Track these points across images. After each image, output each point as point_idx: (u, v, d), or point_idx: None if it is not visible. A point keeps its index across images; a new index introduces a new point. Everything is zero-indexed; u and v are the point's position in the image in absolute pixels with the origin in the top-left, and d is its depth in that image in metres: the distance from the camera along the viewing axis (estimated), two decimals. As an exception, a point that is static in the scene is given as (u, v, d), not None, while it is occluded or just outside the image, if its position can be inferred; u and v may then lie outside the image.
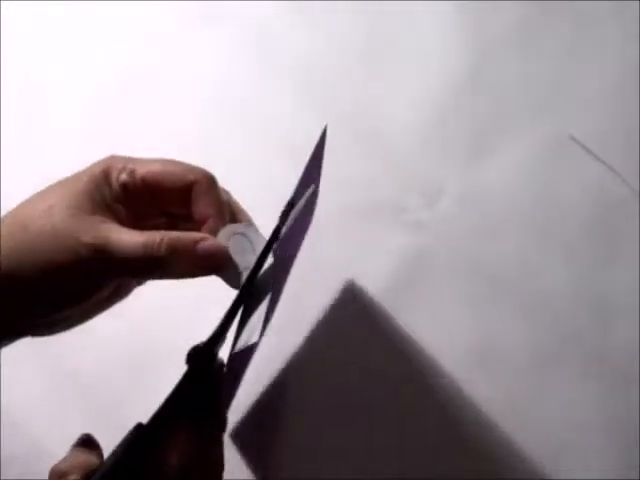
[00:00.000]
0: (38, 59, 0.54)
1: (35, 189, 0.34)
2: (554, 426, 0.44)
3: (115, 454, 0.29)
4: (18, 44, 0.54)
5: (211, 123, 0.52)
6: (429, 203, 0.50)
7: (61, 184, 0.33)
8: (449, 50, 0.54)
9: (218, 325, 0.32)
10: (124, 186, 0.33)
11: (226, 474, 0.40)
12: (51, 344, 0.44)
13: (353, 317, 0.47)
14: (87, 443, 0.31)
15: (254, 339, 0.31)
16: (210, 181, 0.35)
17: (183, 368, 0.31)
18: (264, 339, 0.32)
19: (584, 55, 0.53)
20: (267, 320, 0.32)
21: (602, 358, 0.46)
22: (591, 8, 0.54)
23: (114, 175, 0.33)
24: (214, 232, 0.34)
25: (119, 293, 0.37)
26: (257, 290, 0.33)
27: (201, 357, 0.31)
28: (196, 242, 0.32)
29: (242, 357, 0.34)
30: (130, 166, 0.34)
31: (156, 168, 0.34)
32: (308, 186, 0.36)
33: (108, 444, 0.30)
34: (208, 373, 0.32)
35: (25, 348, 0.43)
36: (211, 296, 0.35)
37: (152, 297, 0.40)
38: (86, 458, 0.30)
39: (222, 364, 0.32)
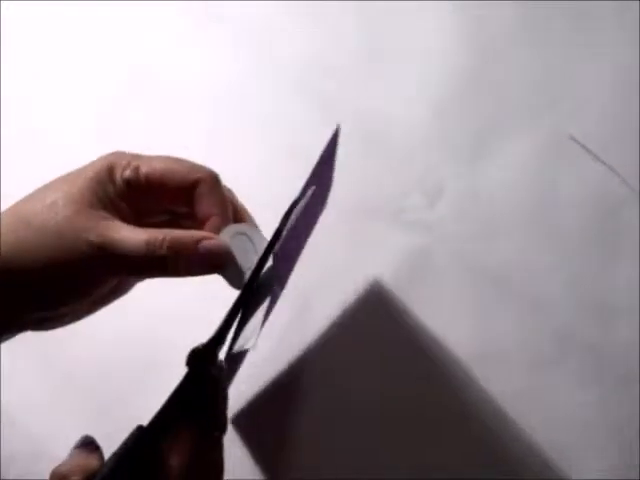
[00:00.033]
0: (38, 59, 0.54)
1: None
2: (554, 426, 0.44)
3: (116, 456, 0.29)
4: (18, 44, 0.54)
5: (211, 123, 0.52)
6: (430, 203, 0.50)
7: (64, 180, 0.33)
8: (449, 50, 0.54)
9: (219, 327, 0.32)
10: (128, 183, 0.33)
11: (233, 474, 0.40)
12: (51, 344, 0.44)
13: (354, 317, 0.47)
14: (88, 445, 0.31)
15: (251, 342, 0.31)
16: (214, 180, 0.35)
17: (184, 367, 0.31)
18: (264, 340, 0.32)
19: (584, 55, 0.53)
20: (264, 322, 0.32)
21: (602, 358, 0.46)
22: (591, 8, 0.54)
23: (118, 172, 0.33)
24: (217, 231, 0.34)
25: (119, 289, 0.37)
26: (257, 291, 0.33)
27: (201, 359, 0.31)
28: (198, 241, 0.32)
29: (238, 358, 0.34)
30: (134, 163, 0.34)
31: (160, 166, 0.34)
32: (313, 186, 0.36)
33: (108, 444, 0.30)
34: (208, 375, 0.32)
35: (25, 348, 0.43)
36: (212, 295, 0.35)
37: (153, 296, 0.40)
38: (87, 460, 0.30)
39: (222, 366, 0.32)
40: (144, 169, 0.34)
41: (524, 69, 0.53)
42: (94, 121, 0.52)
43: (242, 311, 0.33)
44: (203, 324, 0.32)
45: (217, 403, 0.32)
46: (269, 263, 0.34)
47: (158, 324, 0.46)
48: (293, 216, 0.34)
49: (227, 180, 0.36)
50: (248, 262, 0.34)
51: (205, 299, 0.40)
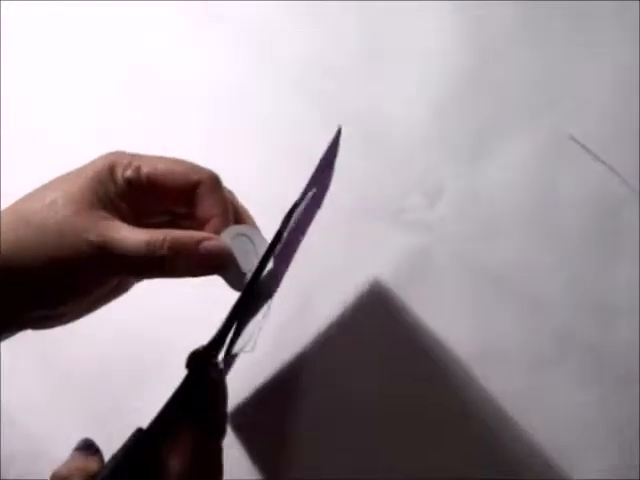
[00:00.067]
0: (38, 59, 0.54)
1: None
2: (554, 426, 0.44)
3: (115, 458, 0.29)
4: (18, 44, 0.54)
5: (211, 123, 0.52)
6: (430, 203, 0.50)
7: (64, 179, 0.33)
8: (449, 50, 0.54)
9: (218, 329, 0.32)
10: (129, 182, 0.33)
11: (231, 474, 0.40)
12: (51, 343, 0.44)
13: (354, 316, 0.47)
14: (87, 447, 0.31)
15: (250, 345, 0.31)
16: (215, 181, 0.35)
17: (183, 369, 0.31)
18: (263, 339, 0.32)
19: (584, 55, 0.53)
20: (263, 325, 0.32)
21: (602, 358, 0.46)
22: (591, 8, 0.54)
23: (119, 171, 0.33)
24: (218, 232, 0.34)
25: (119, 288, 0.37)
26: (257, 294, 0.33)
27: (201, 361, 0.31)
28: (199, 241, 0.32)
29: (233, 360, 0.34)
30: (136, 163, 0.34)
31: (161, 166, 0.34)
32: (314, 189, 0.36)
33: (108, 444, 0.30)
34: (208, 377, 0.32)
35: (25, 347, 0.43)
36: (213, 296, 0.34)
37: (153, 296, 0.40)
38: (86, 463, 0.30)
39: (222, 368, 0.32)
40: (145, 169, 0.34)
41: (524, 69, 0.53)
42: (94, 121, 0.52)
43: (242, 313, 0.33)
44: (203, 325, 0.32)
45: (217, 405, 0.32)
46: (269, 266, 0.34)
47: (158, 324, 0.46)
48: (293, 219, 0.34)
49: (227, 180, 0.36)
50: (249, 264, 0.34)
51: (205, 300, 0.40)
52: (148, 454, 0.29)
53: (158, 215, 0.36)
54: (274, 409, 0.45)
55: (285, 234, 0.33)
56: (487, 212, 0.50)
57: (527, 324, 0.47)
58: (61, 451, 0.31)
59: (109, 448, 0.30)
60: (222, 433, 0.32)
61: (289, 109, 0.52)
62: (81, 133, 0.52)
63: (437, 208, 0.50)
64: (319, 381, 0.45)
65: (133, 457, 0.29)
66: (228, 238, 0.34)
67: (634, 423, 0.44)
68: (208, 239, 0.33)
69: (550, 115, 0.52)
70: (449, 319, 0.47)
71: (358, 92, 0.53)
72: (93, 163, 0.34)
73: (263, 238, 0.35)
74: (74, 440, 0.32)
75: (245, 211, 0.37)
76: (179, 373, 0.31)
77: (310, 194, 0.35)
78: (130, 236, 0.31)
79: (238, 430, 0.44)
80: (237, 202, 0.37)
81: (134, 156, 0.34)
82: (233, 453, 0.43)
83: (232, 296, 0.33)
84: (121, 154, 0.34)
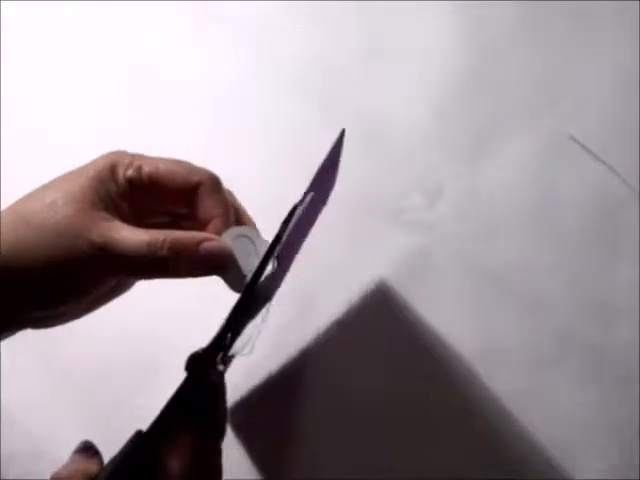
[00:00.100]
0: (38, 59, 0.54)
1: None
2: (554, 426, 0.44)
3: (115, 461, 0.29)
4: (18, 44, 0.54)
5: (211, 123, 0.52)
6: (430, 203, 0.50)
7: (64, 179, 0.33)
8: (449, 50, 0.54)
9: (218, 331, 0.32)
10: (130, 182, 0.33)
11: (232, 474, 0.40)
12: (51, 343, 0.44)
13: (355, 315, 0.47)
14: (87, 450, 0.31)
15: (248, 348, 0.31)
16: (215, 182, 0.35)
17: (183, 368, 0.31)
18: (265, 338, 0.32)
19: (584, 55, 0.53)
20: (262, 328, 0.32)
21: (602, 358, 0.46)
22: (591, 8, 0.54)
23: (121, 170, 0.33)
24: (219, 233, 0.34)
25: (119, 288, 0.37)
26: (257, 296, 0.33)
27: (200, 364, 0.31)
28: (199, 242, 0.32)
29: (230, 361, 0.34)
30: (137, 162, 0.34)
31: (162, 166, 0.34)
32: (314, 191, 0.36)
33: (108, 444, 0.30)
34: (208, 380, 0.32)
35: (25, 347, 0.44)
36: (213, 297, 0.34)
37: (153, 296, 0.40)
38: (86, 465, 0.30)
39: (222, 371, 0.32)
40: (147, 169, 0.34)
41: (524, 69, 0.53)
42: (94, 121, 0.52)
43: (241, 315, 0.33)
44: (203, 326, 0.32)
45: (217, 408, 0.32)
46: (269, 268, 0.34)
47: (158, 324, 0.46)
48: (293, 221, 0.34)
49: (227, 180, 0.36)
50: (249, 265, 0.34)
51: (206, 301, 0.40)
52: (148, 456, 0.29)
53: (159, 215, 0.36)
54: (275, 408, 0.45)
55: (284, 236, 0.33)
56: (487, 212, 0.50)
57: (527, 324, 0.47)
58: (61, 451, 0.31)
59: (109, 448, 0.30)
60: (222, 435, 0.32)
61: (289, 109, 0.52)
62: (81, 133, 0.52)
63: (437, 208, 0.50)
64: (321, 380, 0.45)
65: (133, 459, 0.29)
66: (229, 239, 0.34)
67: (634, 423, 0.44)
68: (209, 240, 0.33)
69: (550, 115, 0.52)
70: (449, 319, 0.47)
71: (358, 92, 0.53)
72: (94, 162, 0.34)
73: (264, 239, 0.35)
74: (74, 439, 0.32)
75: (245, 212, 0.37)
76: (179, 373, 0.31)
77: (309, 197, 0.35)
78: (131, 236, 0.31)
79: (238, 429, 0.44)
80: (237, 203, 0.37)
81: (135, 156, 0.34)
82: (233, 453, 0.43)
83: (232, 297, 0.33)
84: (122, 154, 0.34)
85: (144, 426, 0.30)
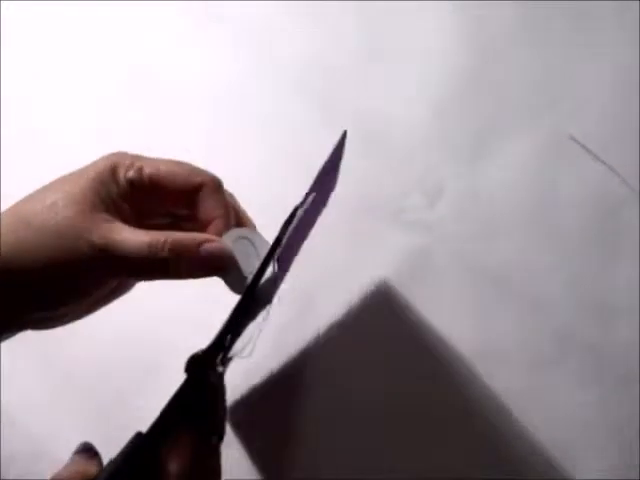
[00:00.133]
0: (38, 59, 0.54)
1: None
2: (554, 426, 0.44)
3: (114, 462, 0.29)
4: (18, 44, 0.54)
5: (211, 123, 0.52)
6: (430, 203, 0.50)
7: (65, 180, 0.33)
8: (449, 50, 0.54)
9: (218, 333, 0.32)
10: (131, 183, 0.33)
11: (232, 474, 0.40)
12: (51, 343, 0.44)
13: (355, 315, 0.47)
14: (87, 451, 0.31)
15: (247, 351, 0.31)
16: (217, 184, 0.35)
17: (183, 369, 0.31)
18: (265, 338, 0.32)
19: (584, 55, 0.53)
20: (261, 331, 0.32)
21: (602, 358, 0.46)
22: (591, 8, 0.54)
23: (122, 172, 0.33)
24: (219, 234, 0.34)
25: (120, 289, 0.37)
26: (257, 298, 0.33)
27: (200, 366, 0.31)
28: (200, 243, 0.32)
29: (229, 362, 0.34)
30: (138, 163, 0.34)
31: (163, 168, 0.34)
32: (315, 193, 0.36)
33: (108, 445, 0.30)
34: (207, 381, 0.32)
35: (25, 348, 0.44)
36: (213, 298, 0.34)
37: (154, 297, 0.40)
38: (86, 466, 0.30)
39: (221, 372, 0.32)
40: (148, 170, 0.34)
41: (524, 69, 0.53)
42: (94, 121, 0.52)
43: (241, 316, 0.33)
44: (204, 327, 0.32)
45: (216, 409, 0.32)
46: (269, 270, 0.34)
47: (159, 326, 0.46)
48: (294, 223, 0.34)
49: (227, 180, 0.36)
50: (250, 266, 0.34)
51: (206, 302, 0.40)
52: (147, 457, 0.29)
53: (159, 217, 0.36)
54: (276, 407, 0.45)
55: (285, 239, 0.33)
56: (487, 212, 0.50)
57: (527, 324, 0.47)
58: (61, 451, 0.31)
59: (110, 449, 0.30)
60: (221, 436, 0.32)
61: (289, 109, 0.52)
62: (81, 133, 0.52)
63: (437, 208, 0.50)
64: (321, 380, 0.45)
65: (132, 460, 0.29)
66: (229, 241, 0.34)
67: (634, 423, 0.44)
68: (209, 241, 0.33)
69: (550, 115, 0.52)
70: (449, 319, 0.47)
71: (358, 92, 0.53)
72: (95, 164, 0.34)
73: (265, 241, 0.35)
74: (74, 440, 0.32)
75: (245, 214, 0.37)
76: (179, 374, 0.31)
77: (311, 198, 0.35)
78: (131, 238, 0.31)
79: (238, 428, 0.44)
80: (238, 205, 0.37)
81: (136, 157, 0.34)
82: (233, 453, 0.43)
83: (232, 298, 0.33)
84: (123, 155, 0.34)
85: (144, 427, 0.30)
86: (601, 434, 0.44)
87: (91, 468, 0.30)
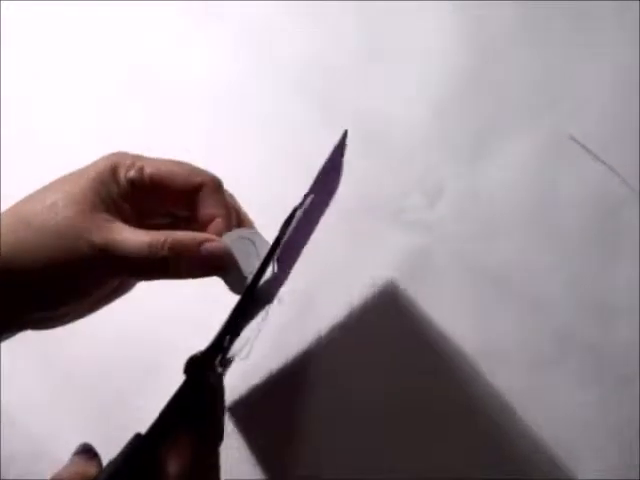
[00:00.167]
0: (38, 59, 0.54)
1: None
2: (554, 426, 0.44)
3: (114, 463, 0.29)
4: (18, 44, 0.54)
5: (211, 123, 0.52)
6: (430, 203, 0.50)
7: (65, 180, 0.33)
8: (449, 50, 0.54)
9: (217, 334, 0.32)
10: (132, 183, 0.33)
11: (232, 474, 0.40)
12: (51, 343, 0.44)
13: (356, 315, 0.47)
14: (86, 452, 0.31)
15: (244, 352, 0.31)
16: (217, 184, 0.35)
17: (183, 370, 0.31)
18: (265, 338, 0.32)
19: (584, 55, 0.53)
20: (259, 332, 0.32)
21: (602, 358, 0.46)
22: (591, 8, 0.54)
23: (122, 172, 0.33)
24: (220, 233, 0.34)
25: (120, 289, 0.37)
26: (257, 298, 0.33)
27: (199, 367, 0.31)
28: (200, 243, 0.32)
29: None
30: (139, 163, 0.34)
31: (164, 168, 0.34)
32: (316, 192, 0.36)
33: (108, 445, 0.30)
34: (206, 383, 0.31)
35: (25, 348, 0.43)
36: (213, 298, 0.34)
37: (154, 297, 0.40)
38: (85, 467, 0.30)
39: (220, 373, 0.32)
40: (148, 170, 0.34)
41: (524, 69, 0.53)
42: (94, 121, 0.52)
43: (240, 317, 0.33)
44: (204, 327, 0.32)
45: (215, 411, 0.32)
46: (269, 271, 0.34)
47: (159, 326, 0.46)
48: (293, 224, 0.34)
49: (227, 180, 0.36)
50: (250, 266, 0.34)
51: (206, 302, 0.40)
52: (147, 458, 0.29)
53: (160, 217, 0.36)
54: (278, 406, 0.45)
55: (284, 239, 0.33)
56: (487, 212, 0.50)
57: (527, 324, 0.47)
58: (61, 452, 0.31)
59: (110, 449, 0.30)
60: (220, 437, 0.32)
61: (289, 109, 0.52)
62: (81, 133, 0.52)
63: (437, 208, 0.50)
64: (322, 379, 0.45)
65: (132, 461, 0.29)
66: (230, 241, 0.34)
67: (634, 423, 0.44)
68: (210, 240, 0.33)
69: (550, 115, 0.52)
70: (449, 319, 0.47)
71: (358, 92, 0.53)
72: (95, 164, 0.34)
73: (265, 241, 0.35)
74: (74, 441, 0.32)
75: (246, 215, 0.37)
76: (179, 374, 0.31)
77: (310, 199, 0.35)
78: (132, 237, 0.31)
79: (241, 426, 0.44)
80: (238, 206, 0.37)
81: (136, 157, 0.34)
82: (233, 453, 0.43)
83: (232, 298, 0.33)
84: (123, 155, 0.34)
85: (145, 427, 0.30)
86: (601, 434, 0.44)
87: (91, 469, 0.30)
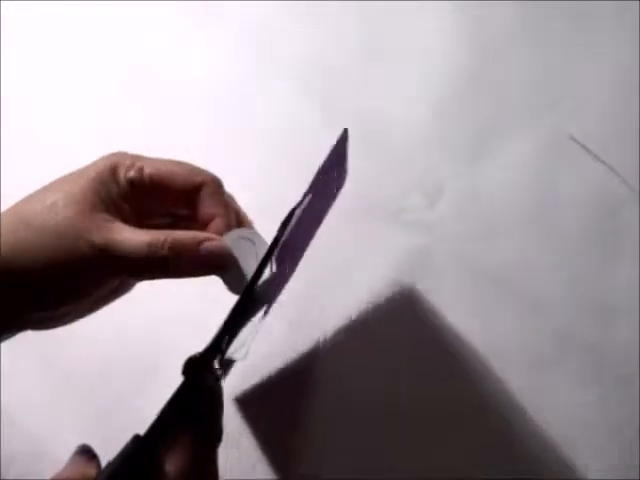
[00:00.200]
0: (38, 59, 0.54)
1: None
2: (554, 426, 0.44)
3: (113, 464, 0.29)
4: (18, 44, 0.54)
5: (211, 123, 0.52)
6: (430, 203, 0.50)
7: (65, 180, 0.33)
8: (449, 50, 0.54)
9: (215, 335, 0.31)
10: (131, 183, 0.33)
11: (232, 474, 0.40)
12: (51, 344, 0.44)
13: (355, 315, 0.47)
14: (85, 453, 0.31)
15: (242, 353, 0.31)
16: (217, 184, 0.35)
17: (181, 373, 0.31)
18: (265, 338, 0.32)
19: (584, 55, 0.53)
20: (257, 334, 0.32)
21: (602, 358, 0.46)
22: (591, 8, 0.54)
23: (122, 172, 0.33)
24: (219, 233, 0.34)
25: (120, 289, 0.37)
26: (256, 298, 0.33)
27: (197, 368, 0.31)
28: (200, 242, 0.32)
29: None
30: (138, 163, 0.34)
31: (164, 168, 0.34)
32: (315, 192, 0.36)
33: (108, 446, 0.30)
34: (204, 384, 0.31)
35: (25, 348, 0.43)
36: (213, 298, 0.34)
37: (153, 298, 0.40)
38: (84, 468, 0.30)
39: (219, 374, 0.32)
40: (148, 170, 0.34)
41: (524, 69, 0.53)
42: (94, 121, 0.52)
43: (239, 317, 0.33)
44: (204, 328, 0.32)
45: (214, 411, 0.32)
46: (267, 272, 0.34)
47: (159, 326, 0.46)
48: (291, 224, 0.34)
49: (227, 180, 0.36)
50: (250, 266, 0.34)
51: (206, 303, 0.40)
52: (145, 459, 0.29)
53: (160, 217, 0.36)
54: (282, 404, 0.45)
55: (283, 239, 0.33)
56: (487, 212, 0.50)
57: (527, 324, 0.47)
58: (61, 452, 0.31)
59: (109, 449, 0.30)
60: (219, 438, 0.32)
61: (289, 109, 0.52)
62: (81, 133, 0.52)
63: (437, 208, 0.50)
64: (323, 380, 0.45)
65: (130, 462, 0.29)
66: (229, 241, 0.34)
67: (634, 423, 0.44)
68: (209, 240, 0.33)
69: (550, 115, 0.52)
70: (449, 319, 0.47)
71: (358, 92, 0.53)
72: (95, 164, 0.34)
73: (265, 242, 0.35)
74: (74, 441, 0.32)
75: (245, 216, 0.37)
76: (178, 375, 0.31)
77: (308, 199, 0.35)
78: (131, 237, 0.31)
79: (241, 426, 0.44)
80: (237, 207, 0.37)
81: (136, 157, 0.34)
82: (233, 453, 0.43)
83: (232, 298, 0.33)
84: (123, 155, 0.34)
85: (144, 428, 0.30)
86: (601, 434, 0.44)
87: (90, 470, 0.30)
